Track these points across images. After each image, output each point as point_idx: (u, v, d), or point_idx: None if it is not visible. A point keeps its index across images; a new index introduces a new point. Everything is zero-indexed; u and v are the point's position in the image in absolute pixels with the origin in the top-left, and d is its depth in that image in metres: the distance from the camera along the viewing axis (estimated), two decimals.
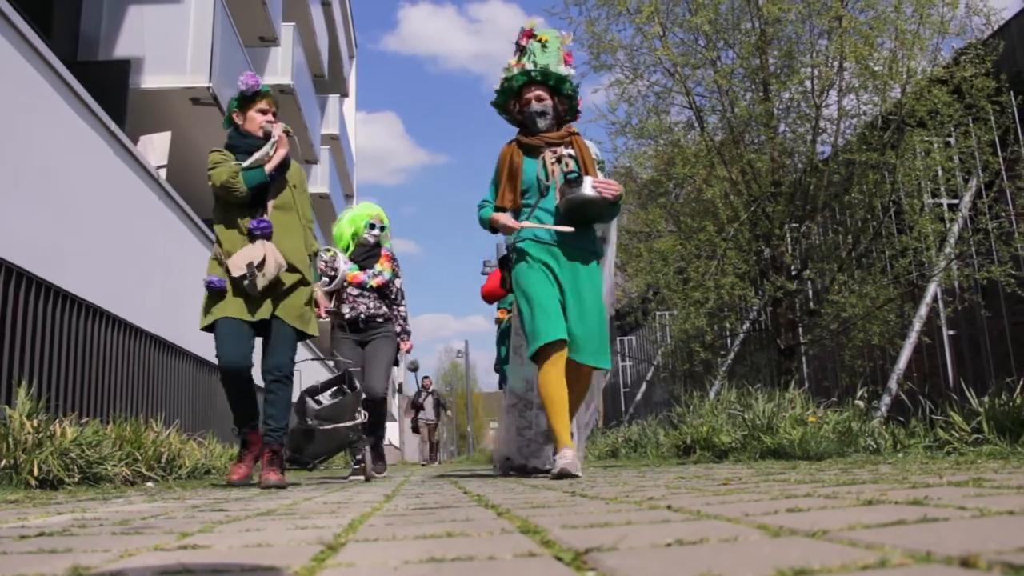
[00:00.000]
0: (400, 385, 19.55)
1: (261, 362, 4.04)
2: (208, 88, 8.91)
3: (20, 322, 4.74)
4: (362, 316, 5.86)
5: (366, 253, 5.99)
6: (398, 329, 6.07)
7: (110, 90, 7.98)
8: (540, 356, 3.80)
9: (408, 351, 6.13)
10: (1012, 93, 6.62)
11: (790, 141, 7.73)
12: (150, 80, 8.72)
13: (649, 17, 7.64)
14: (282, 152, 4.14)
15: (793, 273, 7.65)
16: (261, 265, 3.88)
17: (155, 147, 8.50)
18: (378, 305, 5.94)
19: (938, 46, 6.98)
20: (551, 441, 4.11)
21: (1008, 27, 7.28)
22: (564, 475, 3.44)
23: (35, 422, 3.66)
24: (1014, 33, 7.26)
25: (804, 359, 8.38)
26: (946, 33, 6.89)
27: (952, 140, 7.01)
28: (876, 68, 6.92)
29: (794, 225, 7.65)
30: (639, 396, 13.86)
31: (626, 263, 9.08)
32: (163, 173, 8.00)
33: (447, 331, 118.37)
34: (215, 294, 3.99)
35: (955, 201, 7.21)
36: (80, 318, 5.55)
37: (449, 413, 22.23)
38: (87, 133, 6.02)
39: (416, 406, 18.86)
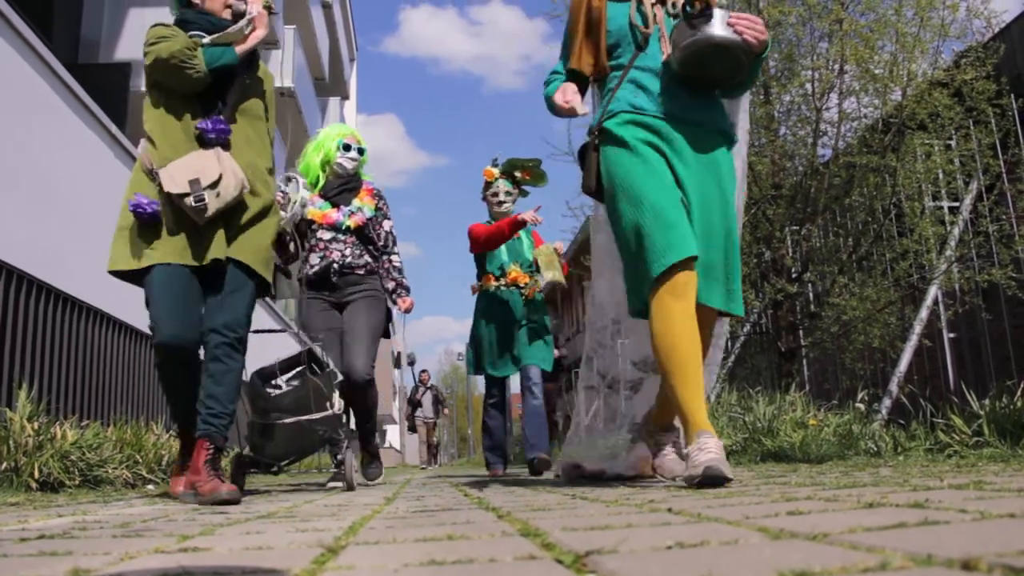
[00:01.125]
0: (412, 391, 18.27)
1: (205, 318, 2.92)
2: None
3: (20, 325, 4.74)
4: (335, 266, 4.37)
5: (341, 186, 4.49)
6: (391, 285, 4.54)
7: (111, 93, 8.00)
8: (659, 286, 2.42)
9: (408, 310, 4.55)
10: (1013, 96, 6.63)
11: (791, 144, 7.73)
12: None
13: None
14: (261, 33, 3.05)
15: (794, 276, 7.65)
16: (215, 184, 2.80)
17: None
18: (357, 252, 4.44)
19: (939, 49, 6.99)
20: (645, 437, 2.95)
21: (1009, 30, 7.28)
22: (711, 480, 2.14)
23: (36, 425, 3.66)
24: (1015, 36, 7.27)
25: (805, 362, 8.38)
26: (947, 36, 6.89)
27: (953, 143, 7.02)
28: (877, 71, 6.93)
29: (795, 228, 7.65)
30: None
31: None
32: None
33: (448, 333, 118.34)
34: (143, 225, 2.82)
35: (956, 204, 7.21)
36: (80, 321, 5.55)
37: (447, 411, 20.73)
38: (88, 135, 6.02)
39: (413, 402, 17.33)
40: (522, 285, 5.01)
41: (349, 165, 4.49)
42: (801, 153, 7.60)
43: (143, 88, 3.07)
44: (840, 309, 7.31)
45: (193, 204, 2.76)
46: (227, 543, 1.23)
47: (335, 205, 4.43)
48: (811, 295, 8.00)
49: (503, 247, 5.12)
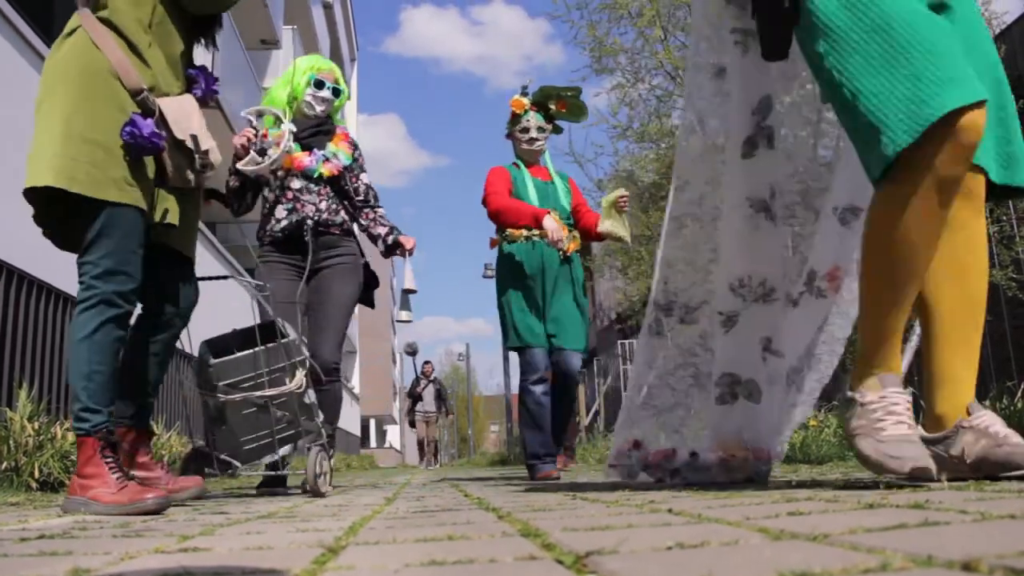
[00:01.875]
0: (413, 384, 15.97)
1: (159, 297, 2.56)
2: None
3: (21, 324, 4.74)
4: (309, 222, 3.61)
5: (313, 128, 3.72)
6: (382, 230, 3.78)
7: None
8: (930, 142, 1.56)
9: (412, 250, 3.79)
10: (1014, 97, 6.63)
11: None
12: None
13: (651, 21, 7.65)
14: None
15: None
16: (206, 153, 2.39)
17: None
18: (334, 207, 3.69)
19: None
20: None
21: (1010, 31, 7.29)
22: (918, 478, 1.61)
23: (36, 424, 3.67)
24: (1016, 37, 7.27)
25: None
26: None
27: None
28: None
29: None
30: (640, 400, 13.85)
31: (627, 266, 9.08)
32: None
33: (448, 333, 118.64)
34: (115, 151, 2.22)
35: None
36: None
37: (451, 417, 19.01)
38: None
39: (414, 396, 15.73)
40: (558, 239, 4.03)
41: (319, 107, 3.70)
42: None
43: None
44: None
45: (197, 169, 2.38)
46: (227, 543, 1.23)
47: (306, 148, 3.67)
48: None
49: (534, 192, 4.17)
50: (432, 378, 16.29)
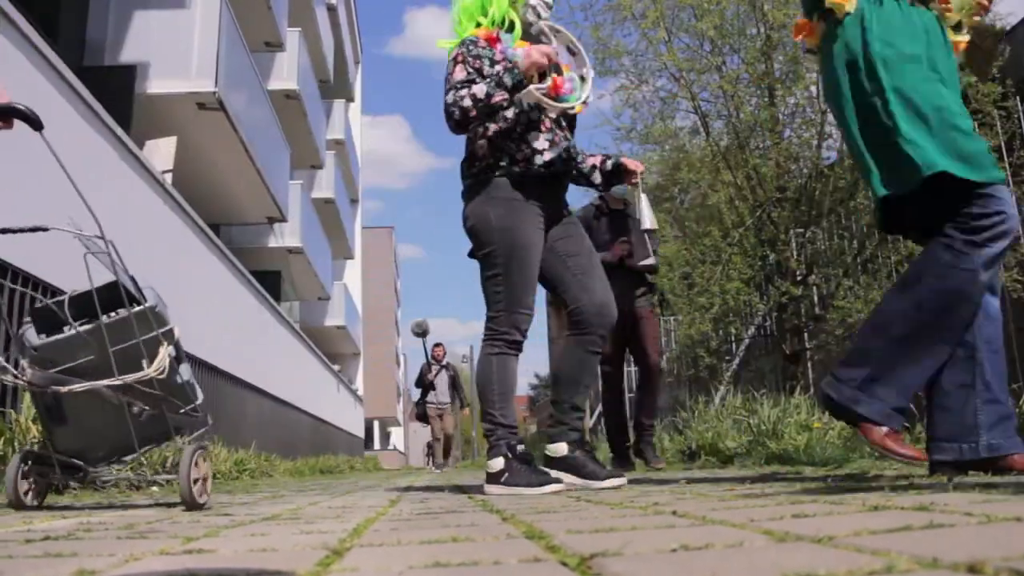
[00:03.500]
0: (422, 371, 13.18)
1: None
2: (214, 93, 8.95)
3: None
4: (573, 161, 3.06)
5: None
6: (595, 159, 3.26)
7: (116, 95, 8.01)
8: None
9: (640, 177, 3.30)
10: (1018, 98, 6.61)
11: (795, 146, 7.73)
12: (156, 85, 8.77)
13: (654, 22, 7.65)
14: None
15: (798, 278, 7.64)
16: None
17: (160, 152, 8.53)
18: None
19: None
20: None
21: (1014, 32, 7.27)
22: None
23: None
24: (1020, 38, 7.25)
25: (810, 364, 8.37)
26: None
27: None
28: None
29: (799, 230, 7.64)
30: None
31: None
32: (168, 178, 8.02)
33: (452, 335, 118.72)
34: None
35: None
36: None
37: (466, 410, 15.09)
38: (93, 138, 6.04)
39: (424, 385, 12.75)
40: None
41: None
42: (806, 155, 7.60)
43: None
44: (845, 312, 7.30)
45: None
46: (232, 545, 1.23)
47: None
48: (816, 298, 7.99)
49: None
50: (444, 363, 13.29)
